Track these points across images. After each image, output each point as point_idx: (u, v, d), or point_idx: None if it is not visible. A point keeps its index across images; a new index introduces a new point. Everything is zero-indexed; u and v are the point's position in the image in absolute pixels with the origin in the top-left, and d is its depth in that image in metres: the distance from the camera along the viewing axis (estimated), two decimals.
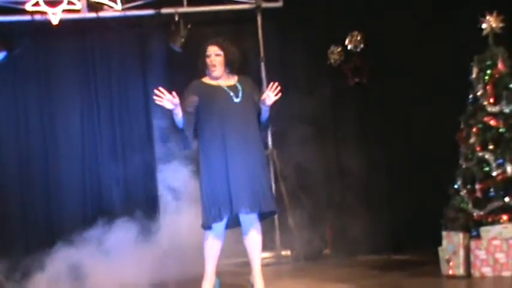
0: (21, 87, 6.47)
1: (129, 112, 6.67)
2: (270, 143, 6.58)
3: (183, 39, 6.47)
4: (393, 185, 6.38)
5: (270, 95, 4.61)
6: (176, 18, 6.46)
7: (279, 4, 6.65)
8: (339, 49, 6.48)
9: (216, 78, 4.75)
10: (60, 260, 5.87)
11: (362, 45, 6.51)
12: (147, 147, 6.56)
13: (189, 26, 6.47)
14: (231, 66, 4.77)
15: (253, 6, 6.58)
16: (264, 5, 6.59)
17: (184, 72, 6.54)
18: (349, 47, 6.49)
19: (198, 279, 4.86)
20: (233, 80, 4.77)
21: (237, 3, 6.62)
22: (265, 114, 4.72)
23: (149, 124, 6.62)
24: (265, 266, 6.25)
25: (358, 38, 6.47)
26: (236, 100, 4.68)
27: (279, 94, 4.61)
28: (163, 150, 6.42)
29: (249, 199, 4.59)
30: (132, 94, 6.67)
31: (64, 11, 6.14)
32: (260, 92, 4.83)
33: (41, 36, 6.37)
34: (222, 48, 4.75)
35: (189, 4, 6.54)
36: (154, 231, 6.07)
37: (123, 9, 6.31)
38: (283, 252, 6.46)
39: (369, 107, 6.49)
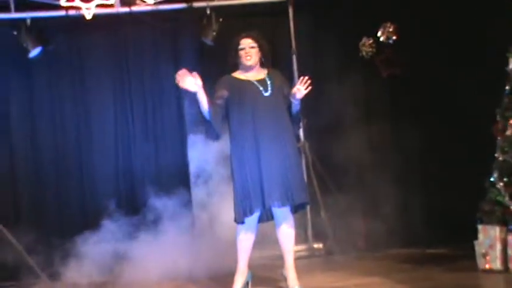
0: (55, 81, 6.53)
1: (161, 106, 6.69)
2: (301, 135, 6.57)
3: (214, 33, 6.47)
4: (428, 179, 6.33)
5: (301, 88, 4.66)
6: (208, 12, 6.46)
7: None
8: (371, 41, 6.43)
9: (248, 70, 4.81)
10: (95, 249, 5.97)
11: (394, 37, 6.46)
12: (180, 141, 6.57)
13: (220, 20, 6.47)
14: (264, 59, 4.84)
15: None
16: None
17: (216, 66, 6.53)
18: (381, 38, 6.44)
19: (230, 269, 4.87)
20: (263, 73, 4.82)
21: None
22: (295, 107, 4.77)
23: (181, 118, 6.63)
24: (297, 259, 6.22)
25: (391, 29, 6.41)
26: (266, 94, 4.75)
27: (310, 88, 4.62)
28: (195, 143, 6.43)
29: (281, 192, 4.64)
30: (164, 88, 6.68)
31: (98, 6, 6.18)
32: (290, 84, 4.85)
33: (75, 31, 6.41)
34: (256, 40, 4.84)
35: None
36: (186, 223, 6.11)
37: (155, 3, 6.33)
38: (316, 245, 6.46)
39: (402, 99, 6.44)
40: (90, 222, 6.28)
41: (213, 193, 6.17)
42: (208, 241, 5.96)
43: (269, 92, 4.74)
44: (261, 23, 6.63)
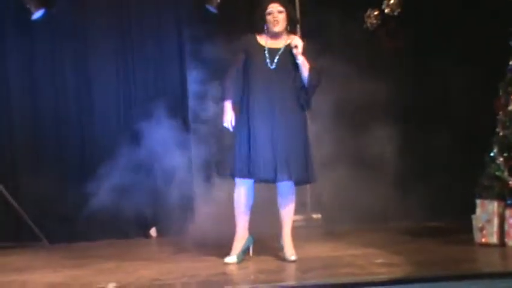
0: (57, 44, 6.48)
1: (163, 71, 6.67)
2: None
3: (218, 0, 6.44)
4: (428, 152, 6.34)
5: (294, 49, 4.67)
6: None
7: None
8: (376, 12, 6.41)
9: (274, 36, 4.79)
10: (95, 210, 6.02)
11: (399, 9, 6.45)
12: (181, 105, 6.57)
13: None
14: (292, 25, 4.84)
15: None
16: None
17: (220, 33, 6.56)
18: (386, 10, 6.42)
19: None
20: (284, 42, 4.79)
21: None
22: (304, 74, 4.73)
23: (184, 82, 6.61)
24: (295, 228, 6.31)
25: (395, 1, 6.39)
26: (271, 67, 4.73)
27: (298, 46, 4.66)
28: (197, 108, 6.45)
29: (278, 167, 4.66)
30: (167, 53, 6.66)
31: None
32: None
33: None
34: (284, 5, 4.80)
35: None
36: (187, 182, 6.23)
37: None
38: (314, 216, 6.49)
39: (404, 71, 6.43)
40: (90, 184, 6.33)
41: (214, 154, 6.21)
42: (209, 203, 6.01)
43: (274, 65, 4.73)
44: None
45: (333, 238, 5.70)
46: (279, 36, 4.81)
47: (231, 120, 4.77)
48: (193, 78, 6.49)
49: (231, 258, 4.83)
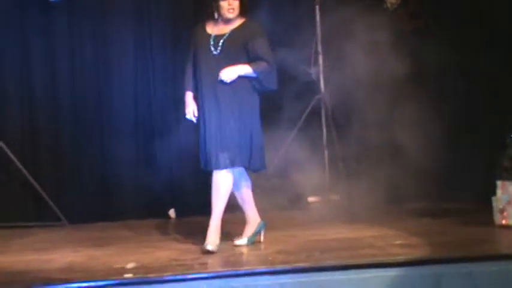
0: (76, 27, 6.49)
1: (182, 54, 6.65)
2: (322, 87, 6.55)
3: None
4: (446, 132, 6.28)
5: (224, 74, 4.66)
6: None
7: None
8: None
9: (226, 23, 4.73)
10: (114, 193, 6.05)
11: None
12: None
13: None
14: (243, 11, 4.77)
15: None
16: None
17: None
18: None
19: None
20: (231, 26, 4.74)
21: None
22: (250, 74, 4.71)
23: None
24: (315, 210, 6.36)
25: None
26: (214, 52, 4.70)
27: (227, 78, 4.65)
28: None
29: (222, 154, 4.65)
30: (185, 37, 6.64)
31: None
32: (257, 38, 4.72)
33: None
34: None
35: None
36: None
37: None
38: (333, 196, 6.47)
39: (426, 53, 6.35)
40: (109, 167, 6.36)
41: None
42: None
43: (218, 50, 4.68)
44: None
45: (351, 219, 5.68)
46: (230, 22, 4.75)
47: (193, 111, 4.76)
48: None
49: (242, 240, 4.86)
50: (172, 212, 6.46)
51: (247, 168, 4.80)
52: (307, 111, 6.45)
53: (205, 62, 4.71)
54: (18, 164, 6.16)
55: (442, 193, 6.08)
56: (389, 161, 6.25)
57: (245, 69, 4.69)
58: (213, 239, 4.67)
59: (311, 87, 6.57)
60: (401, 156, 6.17)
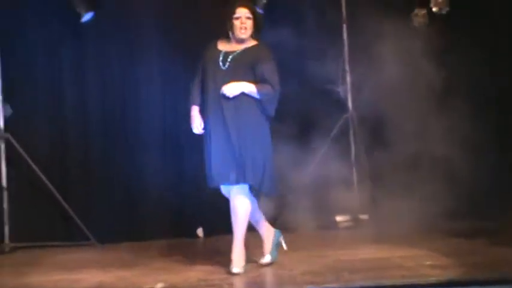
0: (105, 46, 6.55)
1: None
2: (350, 106, 6.52)
3: (265, 1, 6.42)
4: (478, 150, 6.20)
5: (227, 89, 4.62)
6: None
7: None
8: (424, 11, 6.33)
9: (239, 42, 4.72)
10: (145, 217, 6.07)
11: (447, 8, 6.35)
12: None
13: None
14: (256, 32, 4.76)
15: None
16: None
17: (267, 32, 6.54)
18: (433, 9, 6.33)
19: None
20: (243, 46, 4.73)
21: None
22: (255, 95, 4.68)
23: None
24: (342, 229, 6.32)
25: (443, 0, 6.29)
26: (222, 67, 4.67)
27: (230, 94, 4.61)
28: None
29: (228, 171, 4.60)
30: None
31: None
32: (266, 62, 4.70)
33: None
34: (252, 11, 4.74)
35: None
36: None
37: None
38: (361, 216, 6.43)
39: (455, 70, 6.31)
40: (137, 186, 6.39)
41: None
42: None
43: (226, 66, 4.66)
44: None
45: (380, 239, 5.62)
46: (242, 42, 4.75)
47: (200, 125, 4.74)
48: None
49: (266, 258, 4.83)
50: (200, 231, 6.47)
51: (257, 190, 4.71)
52: (335, 129, 6.42)
53: (213, 77, 4.68)
54: (47, 183, 6.21)
55: (476, 212, 6.00)
56: (419, 179, 6.20)
57: (249, 88, 4.65)
58: (238, 261, 4.66)
59: (339, 105, 6.55)
60: (431, 174, 6.12)
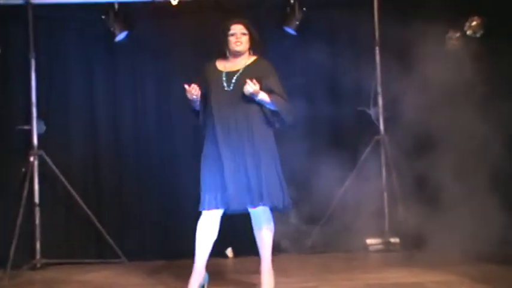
0: (138, 66, 6.62)
1: None
2: (381, 128, 6.50)
3: (297, 22, 6.46)
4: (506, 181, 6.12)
5: (247, 87, 4.53)
6: (291, 1, 6.45)
7: None
8: (458, 34, 6.30)
9: (235, 57, 4.69)
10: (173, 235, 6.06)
11: (481, 31, 6.31)
12: None
13: (304, 9, 6.45)
14: (254, 47, 4.73)
15: None
16: None
17: (299, 54, 6.58)
18: (468, 32, 6.29)
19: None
20: (243, 63, 4.68)
21: None
22: (265, 105, 4.63)
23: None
24: (373, 252, 6.26)
25: (478, 23, 6.26)
26: (227, 89, 4.61)
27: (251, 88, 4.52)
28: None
29: (245, 194, 4.52)
30: None
31: None
32: (270, 76, 4.68)
33: (160, 16, 6.47)
34: (247, 27, 4.72)
35: None
36: None
37: None
38: (392, 240, 6.37)
39: (488, 95, 6.26)
40: (167, 204, 6.41)
41: None
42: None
43: (231, 87, 4.61)
44: (344, 14, 6.63)
45: (412, 263, 5.57)
46: (239, 56, 4.70)
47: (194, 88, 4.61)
48: None
49: None
50: (229, 251, 6.45)
51: (279, 208, 4.65)
52: (366, 152, 6.39)
53: (218, 98, 4.60)
54: (79, 199, 6.26)
55: (508, 238, 5.91)
56: (451, 203, 6.13)
57: (265, 97, 4.60)
58: (268, 282, 4.61)
59: (370, 127, 6.53)
60: (463, 200, 6.04)
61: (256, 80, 4.56)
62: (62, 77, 6.53)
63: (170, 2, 6.27)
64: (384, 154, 6.46)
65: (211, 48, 6.50)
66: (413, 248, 6.06)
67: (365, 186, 6.25)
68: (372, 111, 6.51)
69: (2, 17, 6.35)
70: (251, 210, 4.65)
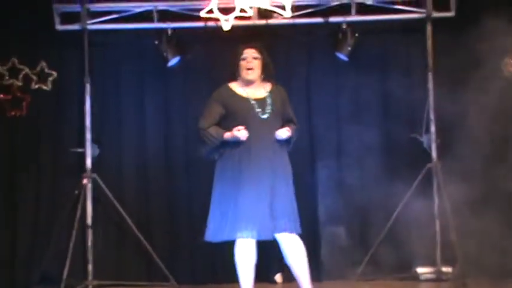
0: (190, 90, 6.66)
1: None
2: (434, 155, 6.41)
3: (350, 48, 6.45)
4: None
5: (284, 132, 4.53)
6: (344, 27, 6.44)
7: (451, 14, 6.44)
8: None
9: (249, 84, 4.61)
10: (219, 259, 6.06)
11: None
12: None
13: (356, 35, 6.44)
14: (266, 72, 4.64)
15: (423, 15, 6.41)
16: (435, 14, 6.40)
17: (350, 80, 6.56)
18: None
19: None
20: (264, 90, 4.63)
21: (407, 12, 6.48)
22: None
23: (311, 131, 6.60)
24: (424, 281, 6.15)
25: None
26: (263, 116, 4.54)
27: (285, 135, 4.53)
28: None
29: (283, 220, 4.51)
30: (295, 99, 6.68)
31: (236, 18, 6.26)
32: (288, 102, 4.70)
33: (212, 41, 6.54)
34: (259, 51, 4.65)
35: (358, 13, 6.48)
36: None
37: (292, 17, 6.34)
38: (444, 269, 6.25)
39: None
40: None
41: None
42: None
43: (267, 114, 4.55)
44: (397, 40, 6.61)
45: None
46: (252, 83, 4.63)
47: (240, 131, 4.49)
48: None
49: None
50: (278, 277, 6.42)
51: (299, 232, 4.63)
52: (418, 179, 6.30)
53: (253, 127, 4.50)
54: (130, 222, 6.32)
55: None
56: (504, 233, 6.01)
57: (288, 134, 4.61)
58: None
59: (422, 155, 6.44)
60: None
61: (281, 108, 4.62)
62: (115, 101, 6.64)
63: (222, 28, 6.32)
64: (436, 181, 6.35)
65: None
66: (466, 277, 5.93)
67: (417, 214, 6.16)
68: (424, 138, 6.42)
69: (58, 42, 6.51)
70: (282, 239, 4.61)
